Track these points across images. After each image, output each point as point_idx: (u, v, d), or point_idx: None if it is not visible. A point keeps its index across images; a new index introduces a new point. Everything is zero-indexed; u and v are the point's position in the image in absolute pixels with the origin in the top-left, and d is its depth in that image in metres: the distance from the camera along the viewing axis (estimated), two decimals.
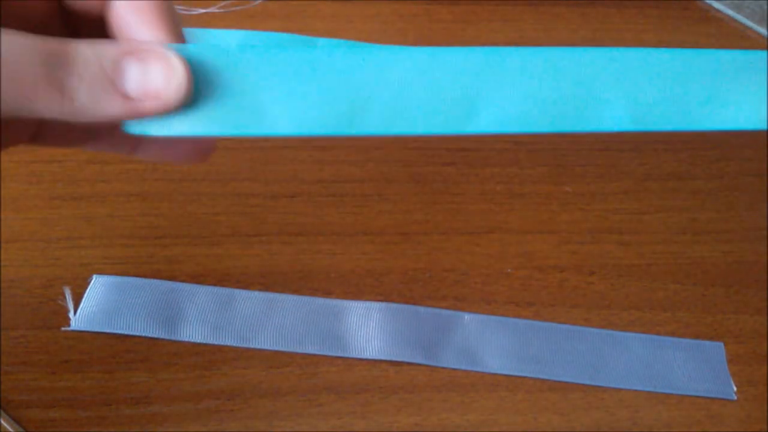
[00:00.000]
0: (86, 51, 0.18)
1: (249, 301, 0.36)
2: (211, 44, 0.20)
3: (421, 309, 0.36)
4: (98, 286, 0.35)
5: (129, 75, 0.19)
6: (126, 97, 0.19)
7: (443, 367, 0.34)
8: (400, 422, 0.33)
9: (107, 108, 0.18)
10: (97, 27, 0.22)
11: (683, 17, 0.56)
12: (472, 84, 0.20)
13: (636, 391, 0.35)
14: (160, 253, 0.37)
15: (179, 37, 0.21)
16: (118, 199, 0.39)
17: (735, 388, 0.35)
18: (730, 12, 0.57)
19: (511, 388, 0.34)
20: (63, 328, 0.34)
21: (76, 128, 0.24)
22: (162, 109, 0.19)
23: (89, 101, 0.18)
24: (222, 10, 0.52)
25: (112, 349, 0.34)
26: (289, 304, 0.36)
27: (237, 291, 0.36)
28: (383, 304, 0.36)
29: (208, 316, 0.35)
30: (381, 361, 0.34)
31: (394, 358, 0.34)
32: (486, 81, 0.20)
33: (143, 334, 0.34)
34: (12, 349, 0.33)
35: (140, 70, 0.19)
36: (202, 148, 0.23)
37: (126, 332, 0.34)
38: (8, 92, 0.17)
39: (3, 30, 0.17)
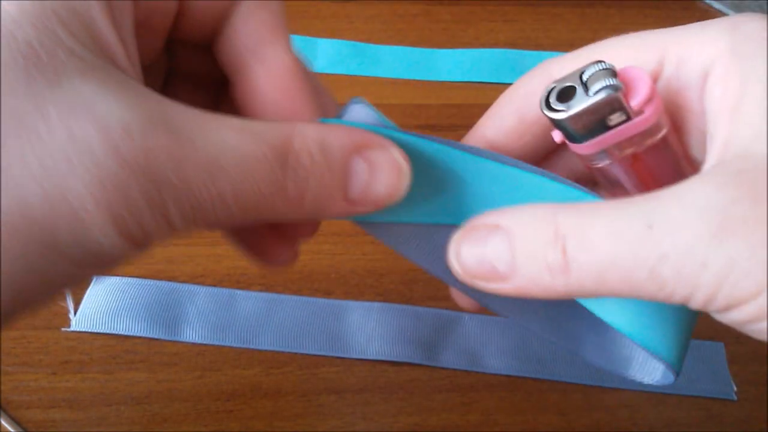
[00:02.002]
0: (313, 145, 0.17)
1: (249, 301, 0.36)
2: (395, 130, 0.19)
3: (421, 309, 0.36)
4: (98, 287, 0.35)
5: (356, 179, 0.17)
6: (350, 201, 0.18)
7: (443, 367, 0.34)
8: (400, 422, 0.33)
9: (328, 213, 0.17)
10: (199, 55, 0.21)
11: (683, 17, 0.56)
12: None
13: (636, 391, 0.35)
14: (160, 253, 0.37)
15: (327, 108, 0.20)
16: None
17: (735, 388, 0.35)
18: (731, 12, 0.57)
19: (511, 388, 0.34)
20: (63, 329, 0.34)
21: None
22: (375, 211, 0.18)
23: (315, 205, 0.17)
24: None
25: (112, 350, 0.34)
26: (289, 304, 0.36)
27: (237, 291, 0.36)
28: (383, 304, 0.36)
29: (208, 316, 0.35)
30: (381, 361, 0.34)
31: (394, 358, 0.34)
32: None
33: (143, 335, 0.34)
34: (12, 349, 0.33)
35: (368, 174, 0.18)
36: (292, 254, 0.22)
37: (126, 333, 0.34)
38: (245, 199, 0.16)
39: (219, 124, 0.16)
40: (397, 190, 0.18)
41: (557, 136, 0.18)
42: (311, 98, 0.20)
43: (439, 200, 0.19)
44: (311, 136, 0.17)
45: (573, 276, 0.15)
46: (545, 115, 0.18)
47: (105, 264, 0.15)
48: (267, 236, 0.22)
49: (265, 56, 0.19)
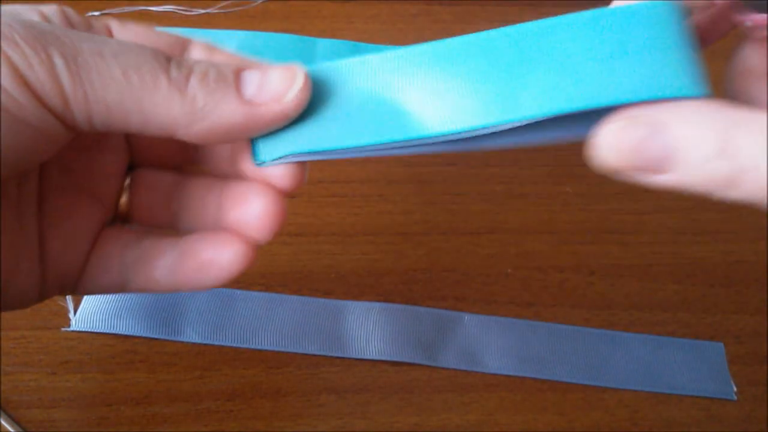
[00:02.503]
0: (202, 60, 0.18)
1: (249, 301, 0.36)
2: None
3: (421, 309, 0.36)
4: None
5: (248, 80, 0.18)
6: (245, 101, 0.18)
7: (443, 367, 0.34)
8: (400, 422, 0.33)
9: (227, 111, 0.18)
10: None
11: None
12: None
13: (636, 391, 0.35)
14: None
15: None
16: None
17: (735, 388, 0.35)
18: None
19: (511, 388, 0.34)
20: (63, 329, 0.34)
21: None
22: (281, 116, 0.19)
23: (209, 103, 0.18)
24: (222, 10, 0.52)
25: (112, 350, 0.34)
26: (289, 304, 0.36)
27: (237, 291, 0.36)
28: (383, 304, 0.36)
29: (208, 316, 0.35)
30: (381, 361, 0.34)
31: (394, 358, 0.34)
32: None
33: (143, 335, 0.34)
34: (12, 349, 0.33)
35: (260, 76, 0.18)
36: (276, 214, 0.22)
37: (126, 332, 0.34)
38: (130, 89, 0.17)
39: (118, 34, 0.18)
40: (291, 84, 0.18)
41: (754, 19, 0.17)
42: None
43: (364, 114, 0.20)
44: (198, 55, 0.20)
45: (742, 188, 0.16)
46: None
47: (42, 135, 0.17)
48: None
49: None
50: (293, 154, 0.20)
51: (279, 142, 0.20)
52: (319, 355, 0.34)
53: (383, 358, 0.34)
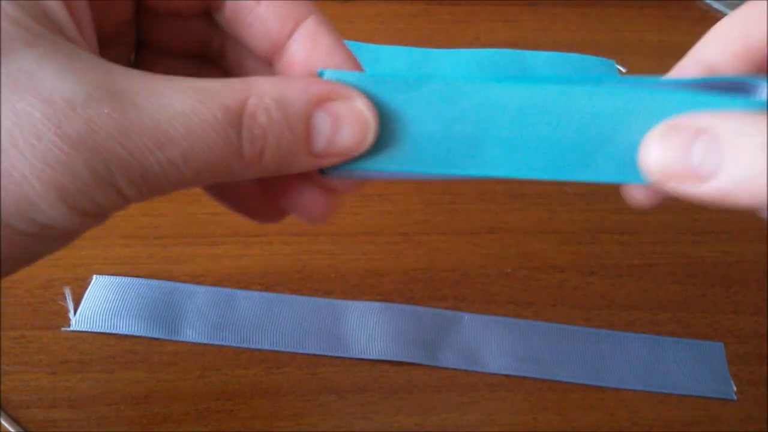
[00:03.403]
0: (270, 102, 0.16)
1: (249, 301, 0.35)
2: (376, 74, 0.19)
3: (421, 309, 0.36)
4: (98, 286, 0.35)
5: (321, 134, 0.17)
6: (314, 156, 0.18)
7: (443, 367, 0.34)
8: (400, 422, 0.33)
9: (294, 168, 0.17)
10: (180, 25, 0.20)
11: (683, 17, 0.56)
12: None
13: (636, 391, 0.35)
14: (160, 253, 0.37)
15: (349, 57, 0.20)
16: None
17: (735, 388, 0.35)
18: (730, 12, 0.57)
19: (511, 388, 0.34)
20: (63, 329, 0.34)
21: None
22: (342, 161, 0.18)
23: (277, 163, 0.17)
24: None
25: (112, 349, 0.34)
26: (289, 304, 0.36)
27: (237, 291, 0.36)
28: (383, 304, 0.36)
29: (208, 316, 0.35)
30: (381, 361, 0.34)
31: (394, 358, 0.34)
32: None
33: (143, 334, 0.34)
34: (12, 349, 0.33)
35: (332, 129, 0.17)
36: (327, 210, 0.21)
37: (126, 332, 0.34)
38: (197, 163, 0.16)
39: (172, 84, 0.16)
40: (362, 140, 0.18)
41: None
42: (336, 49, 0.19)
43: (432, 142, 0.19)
44: (268, 92, 0.17)
45: None
46: None
47: (63, 236, 0.16)
48: (249, 192, 0.22)
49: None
50: (362, 171, 0.19)
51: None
52: (319, 355, 0.34)
53: (383, 358, 0.34)
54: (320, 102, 0.17)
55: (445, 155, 0.19)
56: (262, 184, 0.22)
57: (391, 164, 0.19)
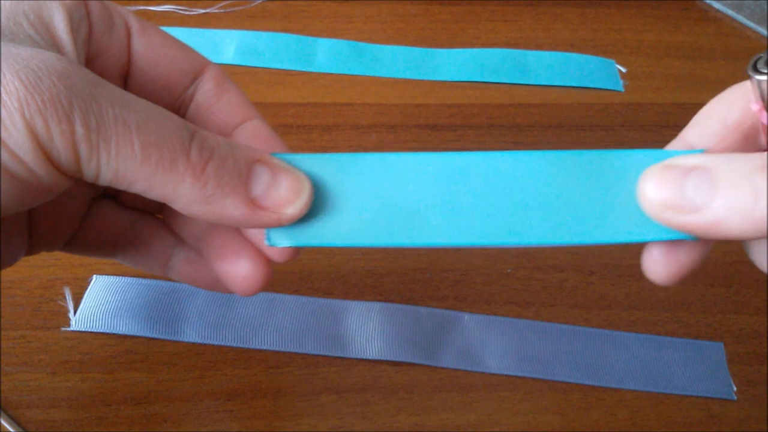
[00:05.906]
0: (223, 141, 0.19)
1: (249, 301, 0.35)
2: (309, 155, 0.20)
3: (421, 309, 0.36)
4: (98, 286, 0.35)
5: (259, 180, 0.19)
6: (249, 200, 0.18)
7: (443, 367, 0.34)
8: (400, 422, 0.33)
9: (230, 206, 0.18)
10: None
11: (683, 17, 0.56)
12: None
13: (636, 391, 0.35)
14: None
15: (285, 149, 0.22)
16: None
17: (735, 388, 0.35)
18: (730, 12, 0.57)
19: (511, 388, 0.34)
20: (63, 329, 0.34)
21: (119, 237, 0.24)
22: (276, 223, 0.19)
23: (217, 194, 0.18)
24: (222, 10, 0.52)
25: (112, 349, 0.34)
26: (289, 304, 0.36)
27: None
28: (383, 304, 0.36)
29: (208, 316, 0.35)
30: (381, 361, 0.34)
31: (394, 358, 0.34)
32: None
33: (143, 335, 0.34)
34: (12, 349, 0.33)
35: (270, 179, 0.19)
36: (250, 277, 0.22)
37: (126, 332, 0.34)
38: (146, 168, 0.17)
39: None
40: (298, 196, 0.19)
41: (756, 106, 0.19)
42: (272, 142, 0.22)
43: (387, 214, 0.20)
44: (221, 137, 0.19)
45: None
46: (751, 77, 0.19)
47: (26, 182, 0.16)
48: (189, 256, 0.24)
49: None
50: (306, 244, 0.20)
51: (293, 230, 0.20)
52: (319, 355, 0.34)
53: (383, 358, 0.34)
54: (262, 158, 0.19)
55: (387, 227, 0.19)
56: (202, 245, 0.23)
57: (334, 238, 0.20)
